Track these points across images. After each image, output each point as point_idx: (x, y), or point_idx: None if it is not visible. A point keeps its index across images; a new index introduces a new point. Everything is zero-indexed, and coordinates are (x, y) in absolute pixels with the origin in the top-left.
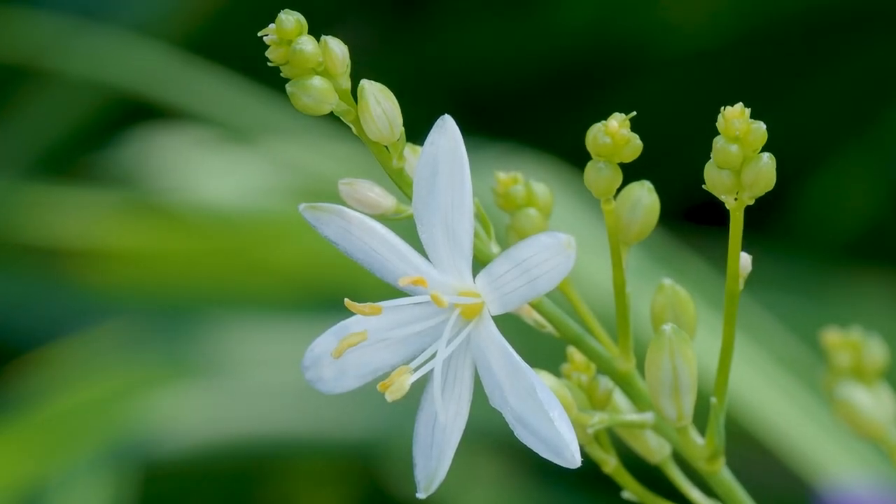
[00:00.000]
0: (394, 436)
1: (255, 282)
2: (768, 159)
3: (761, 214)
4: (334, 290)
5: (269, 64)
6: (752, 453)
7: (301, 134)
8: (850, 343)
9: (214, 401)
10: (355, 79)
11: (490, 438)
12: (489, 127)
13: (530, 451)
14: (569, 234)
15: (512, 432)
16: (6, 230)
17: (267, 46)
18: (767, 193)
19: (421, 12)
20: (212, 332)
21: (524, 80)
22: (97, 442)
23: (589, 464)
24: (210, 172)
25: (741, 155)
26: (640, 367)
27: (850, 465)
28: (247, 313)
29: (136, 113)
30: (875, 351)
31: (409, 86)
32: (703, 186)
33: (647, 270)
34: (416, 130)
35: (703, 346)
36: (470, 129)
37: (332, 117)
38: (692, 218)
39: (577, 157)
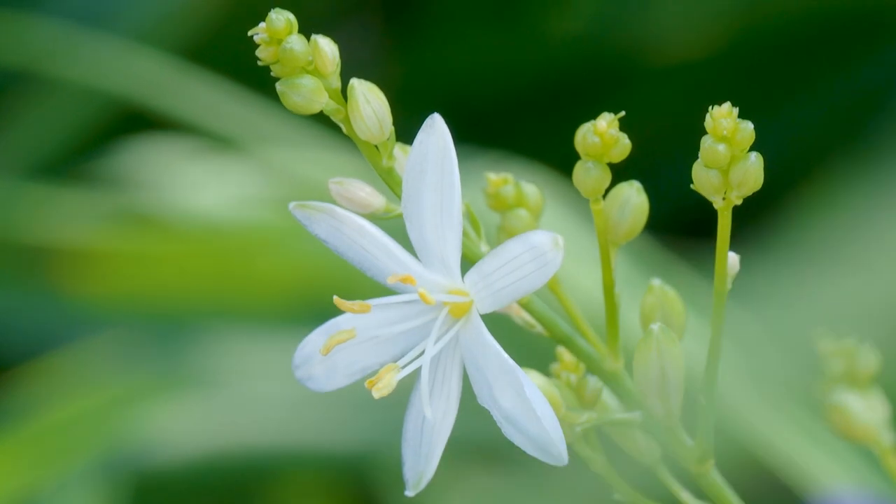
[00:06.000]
0: (386, 447)
1: (248, 292)
2: (755, 158)
3: (755, 224)
4: (326, 300)
5: (259, 63)
6: (744, 464)
7: (297, 143)
8: (843, 350)
9: (207, 412)
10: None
11: (480, 448)
12: (481, 136)
13: (519, 460)
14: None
15: (500, 442)
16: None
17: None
18: (761, 202)
19: (414, 23)
20: (204, 343)
21: (517, 89)
22: (90, 453)
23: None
24: (203, 182)
25: (729, 154)
26: (629, 369)
27: (841, 477)
28: (239, 324)
29: (130, 121)
30: (867, 357)
31: (402, 95)
32: (692, 186)
33: (636, 279)
34: (409, 139)
35: (692, 354)
36: (462, 138)
37: (327, 124)
38: (683, 229)
39: (568, 167)
